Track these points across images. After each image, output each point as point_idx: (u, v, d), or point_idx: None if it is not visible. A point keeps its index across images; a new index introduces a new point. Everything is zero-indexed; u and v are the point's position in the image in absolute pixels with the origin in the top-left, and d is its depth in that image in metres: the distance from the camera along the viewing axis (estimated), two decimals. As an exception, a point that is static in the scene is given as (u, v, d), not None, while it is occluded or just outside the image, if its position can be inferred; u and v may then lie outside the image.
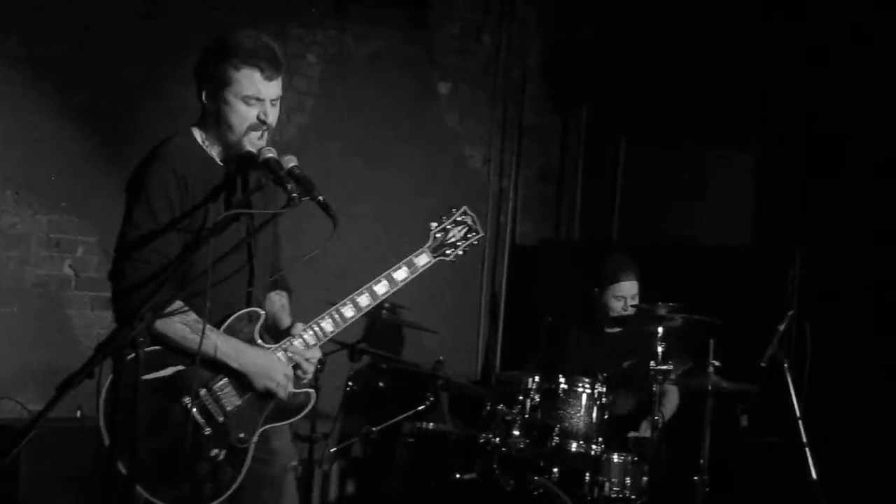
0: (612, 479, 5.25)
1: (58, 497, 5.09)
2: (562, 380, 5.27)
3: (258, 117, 3.53)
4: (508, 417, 5.22)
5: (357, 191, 6.82)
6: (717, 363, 5.33)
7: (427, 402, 5.69)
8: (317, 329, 3.69)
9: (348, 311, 3.71)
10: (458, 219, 3.95)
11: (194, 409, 3.50)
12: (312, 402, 3.74)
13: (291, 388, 3.67)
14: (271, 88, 3.56)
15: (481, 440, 5.27)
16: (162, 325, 3.42)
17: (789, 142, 6.88)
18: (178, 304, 3.42)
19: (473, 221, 3.97)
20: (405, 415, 5.69)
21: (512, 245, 7.87)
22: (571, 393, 5.25)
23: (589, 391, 5.26)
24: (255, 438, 3.61)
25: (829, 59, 6.61)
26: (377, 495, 6.34)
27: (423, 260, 3.84)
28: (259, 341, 3.65)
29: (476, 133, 7.73)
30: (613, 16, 7.75)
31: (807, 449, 5.32)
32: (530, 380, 5.27)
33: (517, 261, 7.85)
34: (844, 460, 5.71)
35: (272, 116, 3.58)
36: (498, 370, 7.61)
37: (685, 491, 5.41)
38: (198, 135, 3.64)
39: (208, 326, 3.43)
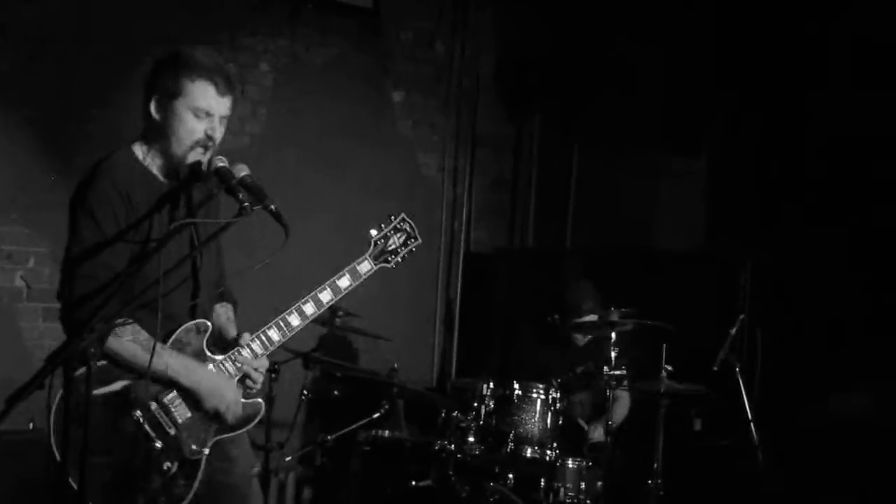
0: (568, 485, 5.27)
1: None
2: (516, 385, 5.29)
3: (206, 132, 3.54)
4: (463, 424, 5.24)
5: (311, 199, 6.82)
6: (669, 367, 5.37)
7: (382, 410, 5.69)
8: (264, 339, 3.70)
9: (294, 320, 3.73)
10: (398, 226, 4.02)
11: (145, 423, 3.49)
12: (262, 412, 3.76)
13: (239, 406, 3.68)
14: (222, 105, 3.57)
15: (436, 447, 5.28)
16: (114, 343, 3.41)
17: (740, 148, 6.95)
18: (123, 319, 3.39)
19: (412, 228, 4.05)
20: (360, 423, 5.69)
21: (466, 252, 7.89)
22: (526, 399, 5.27)
23: (543, 397, 5.28)
24: (206, 450, 3.62)
25: (780, 64, 6.69)
26: (334, 503, 6.33)
27: (365, 267, 3.89)
28: (207, 353, 3.65)
29: (430, 141, 7.76)
30: (566, 24, 7.79)
31: (758, 451, 5.38)
32: (485, 386, 5.29)
33: (472, 268, 7.88)
34: (793, 462, 5.78)
35: (219, 134, 3.59)
36: (453, 377, 7.63)
37: (640, 495, 5.45)
38: (139, 151, 3.62)
39: (159, 345, 3.44)
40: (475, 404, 5.27)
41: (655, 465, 5.36)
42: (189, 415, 3.59)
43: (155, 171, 3.61)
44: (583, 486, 5.29)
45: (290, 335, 3.73)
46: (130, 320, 3.43)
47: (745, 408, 5.37)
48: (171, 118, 3.53)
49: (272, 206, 3.39)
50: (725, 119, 7.01)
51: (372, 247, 3.95)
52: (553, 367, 5.72)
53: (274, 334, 3.71)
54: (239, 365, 3.66)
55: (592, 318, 5.85)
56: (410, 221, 4.04)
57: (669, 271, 6.70)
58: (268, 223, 3.44)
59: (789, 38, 6.65)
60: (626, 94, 7.43)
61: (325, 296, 3.79)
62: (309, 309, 3.75)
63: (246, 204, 3.35)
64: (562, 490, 5.26)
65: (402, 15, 7.55)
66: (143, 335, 3.47)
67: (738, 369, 5.38)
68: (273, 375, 5.67)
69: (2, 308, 5.90)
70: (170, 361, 3.52)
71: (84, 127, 5.99)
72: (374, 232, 3.97)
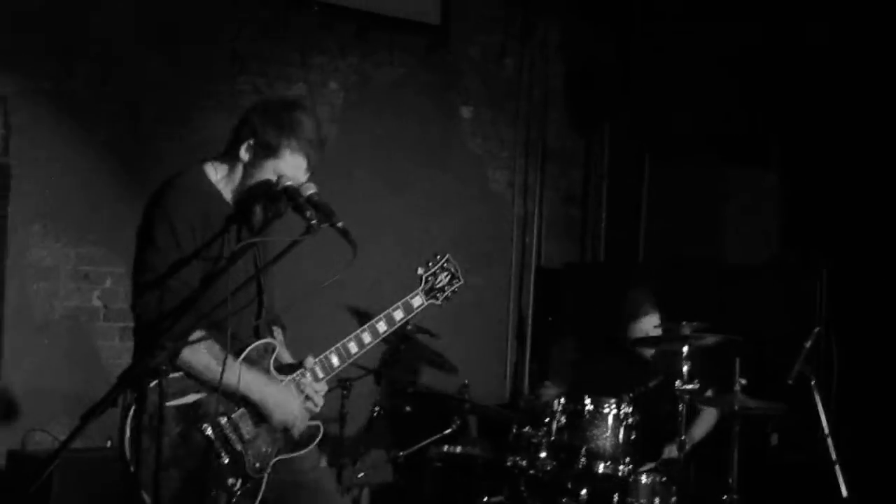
0: (641, 500, 5.22)
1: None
2: (587, 401, 5.25)
3: None
4: (535, 440, 5.22)
5: (380, 217, 6.86)
6: (743, 381, 5.29)
7: (454, 426, 5.69)
8: (325, 363, 3.77)
9: (353, 348, 3.81)
10: (444, 265, 4.08)
11: (215, 438, 3.52)
12: (320, 435, 3.81)
13: (306, 421, 3.73)
14: (304, 178, 3.64)
15: (508, 463, 5.27)
16: (188, 354, 3.44)
17: (813, 157, 6.87)
18: (199, 333, 3.42)
19: (456, 269, 4.11)
20: (432, 439, 5.69)
21: (537, 268, 7.87)
22: (597, 414, 5.24)
23: (615, 412, 5.24)
24: (269, 470, 3.64)
25: (850, 72, 6.60)
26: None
27: (417, 302, 3.99)
28: (274, 373, 3.70)
29: (499, 157, 7.76)
30: (635, 35, 7.77)
31: (837, 467, 5.27)
32: (556, 402, 5.26)
33: (543, 283, 7.85)
34: (874, 478, 5.67)
35: None
36: (526, 392, 7.60)
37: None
38: (211, 172, 3.67)
39: (231, 358, 3.47)
40: (547, 420, 5.25)
41: (730, 481, 5.28)
42: (255, 432, 3.62)
43: (226, 196, 3.66)
44: (657, 501, 5.24)
45: (348, 361, 3.82)
46: (206, 334, 3.44)
47: (822, 422, 5.28)
48: (256, 168, 3.61)
49: (339, 224, 3.41)
50: (798, 128, 6.92)
51: (423, 283, 4.02)
52: (621, 382, 5.69)
53: (335, 360, 3.78)
54: (302, 387, 3.71)
55: (654, 321, 5.81)
56: (455, 263, 4.11)
57: (742, 283, 6.63)
58: (336, 242, 3.47)
59: (863, 43, 6.56)
60: (696, 104, 7.37)
61: (381, 326, 3.88)
62: (367, 338, 3.84)
63: (313, 222, 3.37)
64: (637, 505, 5.21)
65: (470, 31, 7.58)
66: (217, 348, 3.50)
67: (813, 383, 5.29)
68: (345, 392, 5.70)
69: (80, 327, 6.00)
70: (242, 374, 3.55)
71: (157, 147, 6.08)
72: (421, 270, 4.04)
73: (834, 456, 5.28)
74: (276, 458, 3.68)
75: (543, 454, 5.21)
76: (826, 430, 5.26)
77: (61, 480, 5.04)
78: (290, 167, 3.59)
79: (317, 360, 3.75)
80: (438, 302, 4.04)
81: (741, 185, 7.37)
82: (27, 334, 5.84)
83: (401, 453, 5.73)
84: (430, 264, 4.05)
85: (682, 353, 5.27)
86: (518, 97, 7.84)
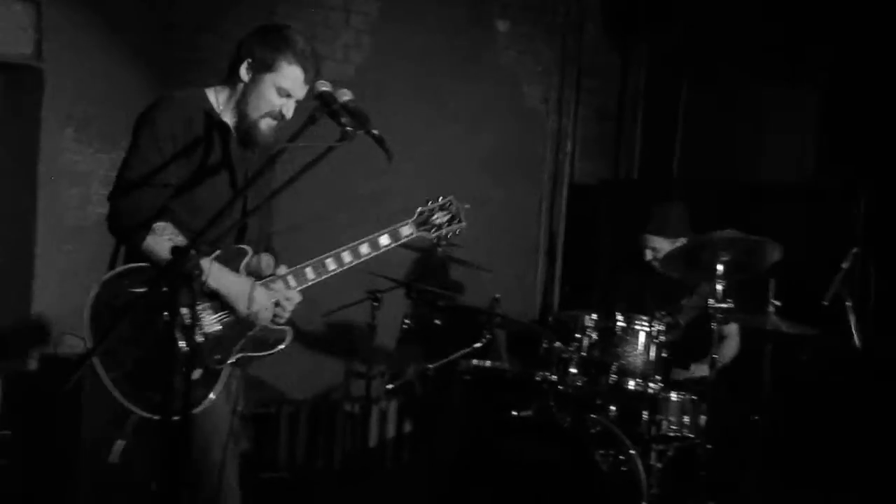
0: (670, 418, 5.21)
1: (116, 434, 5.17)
2: (619, 318, 5.22)
3: (280, 110, 3.78)
4: (565, 355, 5.21)
5: (414, 128, 6.80)
6: (777, 303, 5.25)
7: (484, 340, 5.69)
8: (299, 274, 3.82)
9: (330, 265, 3.86)
10: (444, 205, 4.15)
11: (175, 325, 3.54)
12: (288, 339, 3.83)
13: (269, 312, 3.77)
14: (302, 92, 3.80)
15: (538, 378, 5.26)
16: (151, 241, 3.59)
17: (853, 78, 6.74)
18: (162, 223, 3.63)
19: (457, 210, 4.17)
20: (462, 352, 5.69)
21: (570, 184, 7.81)
22: (629, 331, 5.21)
23: (647, 329, 5.21)
24: (229, 362, 3.71)
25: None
26: (434, 432, 6.37)
27: (405, 231, 4.03)
28: (242, 273, 3.77)
29: (534, 71, 7.66)
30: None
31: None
32: (588, 318, 5.24)
33: (575, 200, 7.79)
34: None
35: (290, 113, 3.81)
36: (556, 309, 7.59)
37: (744, 430, 5.37)
38: (212, 96, 3.85)
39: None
40: (577, 336, 5.23)
41: (761, 401, 5.26)
42: (218, 326, 3.70)
43: (227, 118, 3.82)
44: (686, 419, 5.22)
45: (323, 277, 3.85)
46: (167, 222, 3.62)
47: (855, 342, 5.23)
48: (256, 86, 3.78)
49: (375, 131, 3.39)
50: (836, 47, 6.79)
51: (416, 215, 4.08)
52: (655, 301, 5.66)
53: (309, 272, 3.83)
54: (272, 291, 3.77)
55: (682, 241, 5.76)
56: (459, 205, 4.18)
57: (779, 204, 6.55)
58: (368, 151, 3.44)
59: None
60: (735, 23, 7.23)
61: (364, 248, 3.92)
62: (346, 257, 3.88)
63: (349, 128, 3.34)
64: (664, 423, 5.20)
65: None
66: (181, 238, 3.62)
67: (848, 304, 5.23)
68: (375, 304, 5.70)
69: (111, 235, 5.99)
70: (203, 265, 3.59)
71: (191, 55, 6.03)
72: (420, 207, 4.10)
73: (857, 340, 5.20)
74: (239, 355, 3.74)
75: (573, 370, 5.19)
76: (860, 352, 5.22)
77: (92, 381, 5.07)
78: (289, 79, 3.76)
79: (290, 270, 3.82)
80: (431, 235, 4.10)
81: (780, 104, 7.26)
82: (59, 239, 5.85)
83: (430, 366, 5.73)
84: (430, 202, 4.13)
85: (716, 270, 5.20)
86: (554, 11, 7.71)
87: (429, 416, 6.51)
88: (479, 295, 6.69)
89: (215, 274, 3.66)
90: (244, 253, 3.81)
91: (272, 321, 3.80)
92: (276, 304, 3.78)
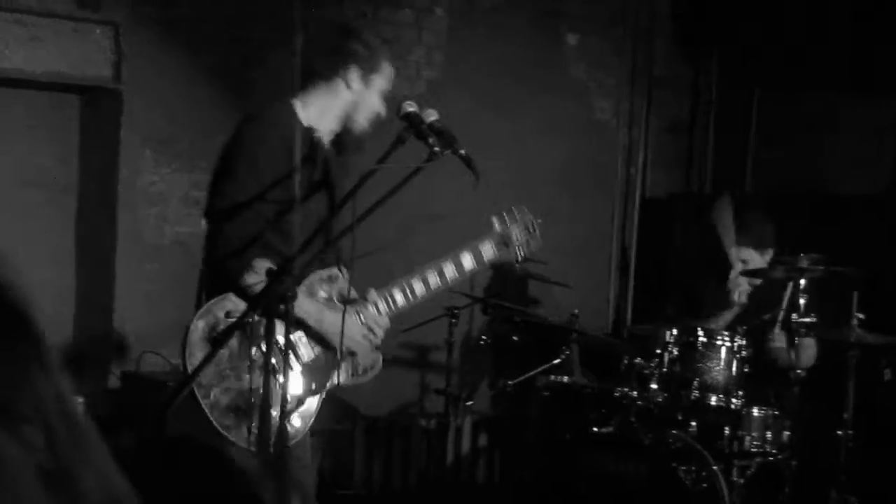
0: (753, 434, 5.14)
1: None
2: (700, 333, 5.18)
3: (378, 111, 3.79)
4: (646, 371, 5.17)
5: (486, 144, 6.77)
6: (861, 316, 5.18)
7: (562, 356, 5.67)
8: (389, 299, 3.80)
9: (418, 288, 3.84)
10: (520, 221, 4.11)
11: (271, 356, 3.54)
12: (379, 366, 3.84)
13: (367, 346, 3.76)
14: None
15: (618, 394, 5.23)
16: (249, 277, 3.53)
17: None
18: (263, 261, 3.48)
19: (534, 227, 4.13)
20: (540, 368, 5.67)
21: (642, 198, 7.77)
22: (711, 346, 5.16)
23: (728, 344, 5.17)
24: (322, 394, 3.70)
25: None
26: (512, 449, 6.35)
27: (487, 250, 4.00)
28: (335, 302, 3.76)
29: (604, 84, 7.63)
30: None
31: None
32: (668, 333, 5.20)
33: (648, 214, 7.75)
34: None
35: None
36: (629, 324, 7.54)
37: (828, 445, 5.30)
38: (300, 110, 3.77)
39: None
40: (658, 351, 5.19)
41: (845, 415, 5.19)
42: (313, 356, 3.68)
43: (320, 134, 3.76)
44: (768, 435, 5.16)
45: (413, 301, 3.83)
46: (262, 258, 3.51)
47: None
48: (369, 92, 3.75)
49: (462, 151, 3.38)
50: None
51: (496, 234, 4.04)
52: (736, 316, 5.61)
53: (398, 297, 3.81)
54: (362, 318, 3.74)
55: (770, 253, 5.70)
56: (534, 220, 4.14)
57: (856, 215, 6.46)
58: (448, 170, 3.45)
59: None
60: (808, 32, 7.16)
61: (448, 270, 3.89)
62: (432, 280, 3.86)
63: (436, 149, 3.34)
64: (747, 439, 5.14)
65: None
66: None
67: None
68: (453, 321, 5.70)
69: (189, 253, 6.04)
70: (300, 301, 3.50)
71: (263, 73, 6.08)
72: (496, 221, 4.06)
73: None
74: (334, 383, 3.72)
75: (654, 385, 5.15)
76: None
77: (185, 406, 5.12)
78: (389, 79, 3.76)
79: (379, 293, 3.79)
80: (511, 255, 4.06)
81: (854, 114, 7.16)
82: (138, 259, 5.93)
83: (509, 382, 5.72)
84: (507, 217, 4.08)
85: (799, 285, 5.15)
86: (624, 24, 7.68)
87: (506, 433, 6.49)
88: (553, 310, 6.67)
89: (306, 308, 3.61)
90: (336, 278, 3.80)
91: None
92: (368, 329, 3.77)
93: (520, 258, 4.13)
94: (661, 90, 7.85)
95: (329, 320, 3.66)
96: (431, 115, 3.46)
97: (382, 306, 3.79)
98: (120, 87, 5.81)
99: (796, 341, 5.15)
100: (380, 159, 3.52)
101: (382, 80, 3.74)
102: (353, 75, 3.74)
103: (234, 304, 3.56)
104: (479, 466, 6.77)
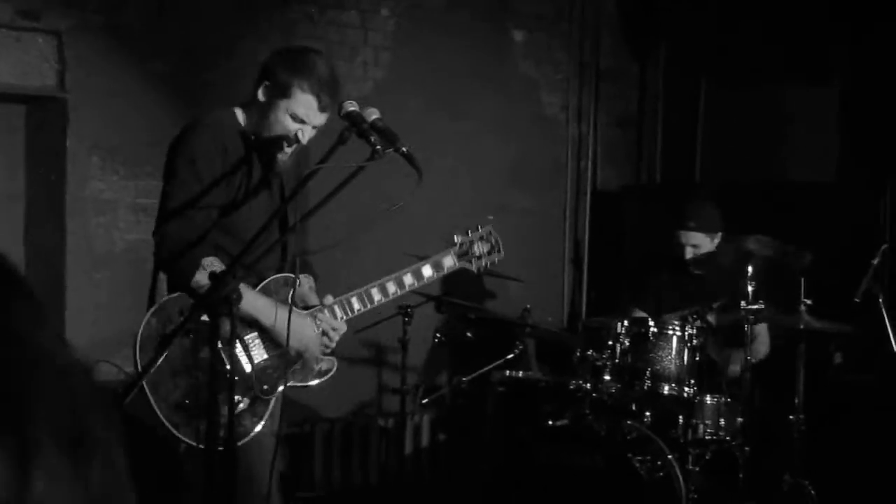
0: (706, 421, 5.20)
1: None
2: (651, 323, 5.23)
3: (296, 135, 3.74)
4: (599, 363, 5.21)
5: (436, 142, 6.82)
6: (808, 301, 5.24)
7: (516, 351, 5.70)
8: (345, 304, 3.86)
9: (376, 295, 3.90)
10: (483, 235, 4.20)
11: (223, 355, 3.56)
12: (334, 369, 3.89)
13: (318, 348, 3.82)
14: (319, 119, 3.78)
15: (572, 386, 5.27)
16: (200, 276, 3.58)
17: (874, 74, 6.73)
18: (210, 258, 3.62)
19: (496, 242, 4.24)
20: (495, 364, 5.70)
21: (593, 191, 7.81)
22: (662, 336, 5.21)
23: (679, 333, 5.21)
24: (277, 393, 3.73)
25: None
26: (469, 444, 6.37)
27: (448, 262, 4.09)
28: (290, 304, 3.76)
29: (553, 80, 7.67)
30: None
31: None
32: (619, 324, 5.24)
33: (599, 207, 7.80)
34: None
35: (307, 139, 3.79)
36: (584, 317, 7.58)
37: (781, 431, 5.36)
38: (240, 116, 3.86)
39: (244, 284, 3.53)
40: (610, 343, 5.22)
41: (796, 401, 5.26)
42: (266, 356, 3.72)
43: (265, 138, 3.82)
44: (722, 422, 5.22)
45: (369, 307, 3.90)
46: (215, 256, 3.62)
47: (891, 340, 5.22)
48: (272, 110, 3.77)
49: (404, 149, 3.40)
50: (855, 44, 6.78)
51: (457, 246, 4.10)
52: (685, 304, 5.65)
53: (355, 303, 3.87)
54: (319, 322, 3.80)
55: (719, 236, 5.74)
56: (496, 236, 4.24)
57: (804, 203, 6.54)
58: (396, 169, 3.46)
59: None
60: (751, 23, 7.23)
61: (408, 279, 3.96)
62: (391, 288, 3.92)
63: (378, 147, 3.35)
64: (700, 427, 5.19)
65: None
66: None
67: (881, 300, 5.22)
68: (406, 319, 5.72)
69: (140, 260, 6.03)
70: (253, 300, 3.63)
71: (212, 79, 6.06)
72: (457, 237, 4.13)
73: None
74: (288, 384, 3.78)
75: (607, 377, 5.19)
76: (894, 349, 5.21)
77: (137, 407, 5.12)
78: (301, 107, 3.73)
79: (337, 299, 3.85)
80: (472, 267, 4.15)
81: (800, 104, 7.24)
82: (89, 268, 5.89)
83: (463, 379, 5.74)
84: (469, 232, 4.16)
85: (746, 272, 5.20)
86: (570, 19, 7.72)
87: (463, 429, 6.51)
88: (507, 305, 6.70)
89: (258, 306, 3.67)
90: (291, 282, 3.82)
91: (320, 350, 3.84)
92: (323, 333, 3.81)
93: (480, 271, 4.23)
94: (609, 84, 7.90)
95: (282, 319, 3.68)
96: (373, 114, 3.47)
97: (339, 311, 3.83)
98: (65, 95, 5.77)
99: (746, 329, 5.19)
100: (321, 159, 3.54)
101: (292, 104, 3.74)
102: (261, 89, 3.80)
103: (187, 302, 3.57)
104: (438, 463, 6.79)
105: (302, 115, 3.73)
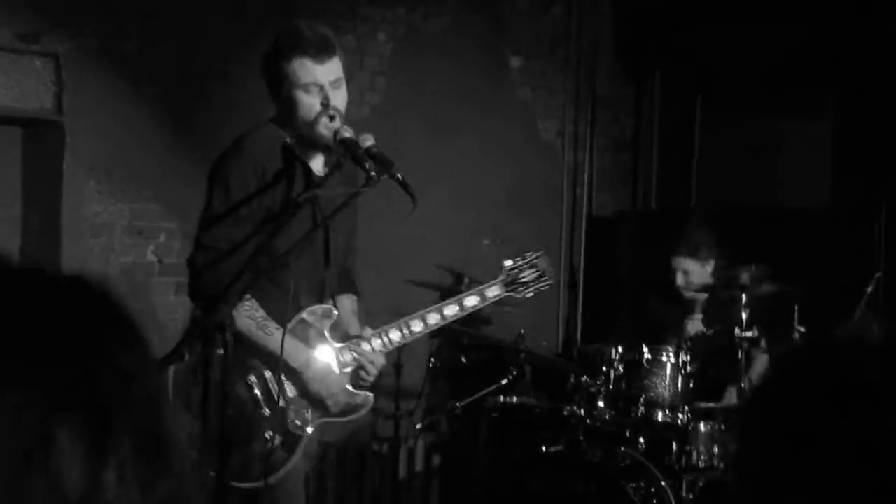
0: (700, 448, 5.19)
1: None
2: (645, 349, 5.22)
3: (322, 103, 3.56)
4: (593, 389, 5.20)
5: (432, 167, 6.83)
6: (802, 329, 5.25)
7: (510, 376, 5.69)
8: (385, 338, 3.78)
9: (416, 327, 3.82)
10: (534, 262, 4.06)
11: (257, 389, 3.54)
12: (370, 404, 3.83)
13: (343, 396, 3.73)
14: (327, 71, 3.58)
15: (566, 413, 5.25)
16: (241, 324, 3.49)
17: (867, 103, 6.76)
18: (245, 297, 3.46)
19: (547, 267, 4.09)
20: (489, 389, 5.68)
21: (589, 217, 7.83)
22: (655, 362, 5.20)
23: (673, 360, 5.21)
24: (310, 429, 3.68)
25: None
26: (463, 469, 6.36)
27: (493, 291, 3.96)
28: (328, 338, 3.73)
29: (549, 106, 7.70)
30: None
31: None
32: (613, 350, 5.24)
33: (595, 233, 7.81)
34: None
35: (337, 99, 3.60)
36: (579, 343, 7.58)
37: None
38: (280, 131, 3.70)
39: (274, 325, 3.52)
40: (604, 369, 5.22)
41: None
42: (300, 392, 3.67)
43: (299, 147, 3.68)
44: (716, 449, 5.21)
45: (409, 340, 3.84)
46: (249, 296, 3.48)
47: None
48: (288, 102, 3.60)
49: (399, 175, 3.40)
50: (852, 71, 6.81)
51: (504, 275, 4.00)
52: (677, 329, 5.66)
53: (395, 336, 3.79)
54: (356, 356, 3.73)
55: (707, 269, 5.74)
56: (547, 261, 4.11)
57: (799, 230, 6.55)
58: (393, 194, 3.47)
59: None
60: (747, 51, 7.27)
61: (450, 311, 3.88)
62: (432, 319, 3.83)
63: (373, 173, 3.36)
64: (694, 454, 5.18)
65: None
66: (260, 313, 3.56)
67: (875, 328, 5.23)
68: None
69: (136, 283, 6.04)
70: (284, 343, 3.53)
71: (206, 103, 6.08)
72: (507, 263, 4.03)
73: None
74: (321, 420, 3.71)
75: (601, 403, 5.18)
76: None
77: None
78: (301, 74, 3.54)
79: (376, 332, 3.77)
80: (519, 295, 4.03)
81: (794, 129, 7.27)
82: (84, 290, 5.89)
83: (457, 404, 5.73)
84: (519, 259, 4.04)
85: (740, 299, 5.21)
86: (567, 45, 7.76)
87: (457, 454, 6.50)
88: (502, 330, 6.69)
89: (287, 349, 3.53)
90: (329, 315, 3.75)
91: (356, 385, 3.75)
92: (361, 367, 3.74)
93: (525, 298, 4.12)
94: (605, 110, 7.93)
95: (310, 362, 3.64)
96: (368, 140, 3.48)
97: (377, 344, 3.77)
98: (62, 118, 5.78)
99: (740, 356, 5.19)
100: (317, 184, 3.55)
101: (297, 80, 3.55)
102: (273, 94, 3.66)
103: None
104: (432, 488, 6.77)
105: (310, 80, 3.54)
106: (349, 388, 3.75)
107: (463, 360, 6.09)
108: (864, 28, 6.71)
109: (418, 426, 6.03)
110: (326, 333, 3.72)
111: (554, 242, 7.70)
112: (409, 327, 3.79)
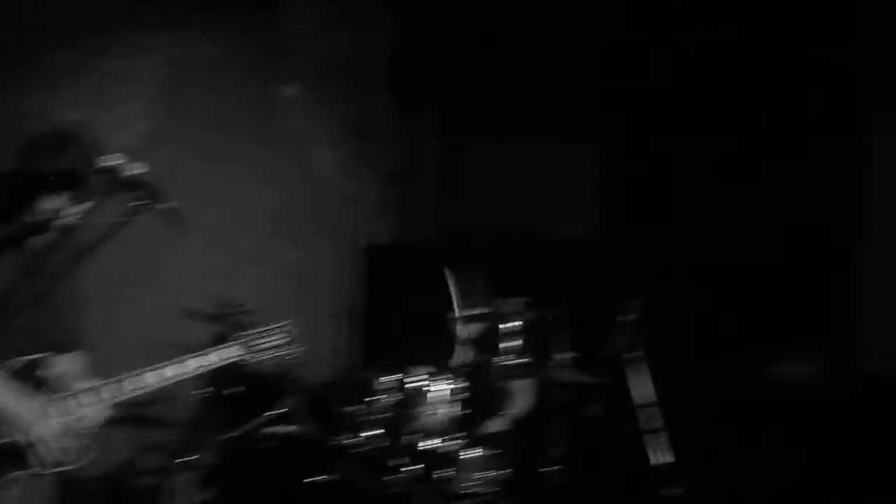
0: (469, 474, 5.28)
1: None
2: (415, 377, 5.29)
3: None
4: (362, 417, 5.23)
5: (203, 195, 6.75)
6: (566, 356, 5.42)
7: (282, 406, 5.66)
8: (114, 387, 3.65)
9: (150, 378, 3.70)
10: (278, 328, 4.07)
11: None
12: (86, 460, 3.61)
13: (57, 443, 3.55)
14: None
15: (336, 441, 5.27)
16: None
17: (630, 136, 7.06)
18: None
19: (291, 338, 4.10)
20: (259, 420, 5.65)
21: (363, 246, 7.87)
22: (425, 391, 5.28)
23: (443, 388, 5.29)
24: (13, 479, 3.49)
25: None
26: (235, 502, 6.28)
27: (234, 351, 3.92)
28: (45, 388, 3.57)
29: (322, 136, 7.72)
30: (456, 16, 7.83)
31: (655, 435, 5.44)
32: (384, 378, 5.29)
33: (369, 262, 7.86)
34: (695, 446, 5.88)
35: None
36: (354, 372, 7.60)
37: (540, 481, 5.49)
38: None
39: None
40: (373, 398, 5.26)
41: (554, 452, 5.40)
42: (7, 439, 3.48)
43: None
44: (485, 474, 5.31)
45: (140, 391, 3.71)
46: None
47: (643, 394, 5.43)
48: None
49: (166, 203, 3.37)
50: (615, 100, 7.11)
51: (247, 336, 3.97)
52: (446, 357, 5.76)
53: (128, 385, 3.67)
54: (72, 407, 3.58)
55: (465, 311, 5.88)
56: (296, 331, 4.10)
57: (565, 259, 6.76)
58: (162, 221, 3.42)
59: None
60: (512, 83, 7.48)
61: (192, 363, 3.81)
62: (170, 372, 3.75)
63: (138, 202, 3.31)
64: (462, 479, 5.26)
65: (294, 8, 7.51)
66: None
67: (627, 357, 5.42)
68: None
69: None
70: None
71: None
72: (253, 330, 4.01)
73: (650, 426, 5.44)
74: (27, 472, 3.51)
75: (369, 432, 5.22)
76: (637, 402, 5.42)
77: None
78: None
79: (104, 382, 3.64)
80: (258, 358, 4.01)
81: (561, 164, 7.51)
82: None
83: (230, 435, 5.66)
84: (264, 326, 4.03)
85: (508, 329, 5.34)
86: (340, 77, 7.80)
87: (228, 486, 6.40)
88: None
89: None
90: (48, 362, 3.59)
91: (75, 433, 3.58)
92: (77, 418, 3.57)
93: (260, 363, 4.07)
94: (379, 141, 8.00)
95: (10, 402, 3.45)
96: (135, 168, 3.42)
97: (105, 393, 3.63)
98: None
99: (506, 384, 5.33)
100: (82, 215, 3.46)
101: None
102: None
103: None
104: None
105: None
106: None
107: (234, 390, 6.02)
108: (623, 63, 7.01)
109: (191, 458, 5.92)
110: (49, 380, 3.56)
111: (329, 272, 7.72)
112: (142, 380, 3.68)
